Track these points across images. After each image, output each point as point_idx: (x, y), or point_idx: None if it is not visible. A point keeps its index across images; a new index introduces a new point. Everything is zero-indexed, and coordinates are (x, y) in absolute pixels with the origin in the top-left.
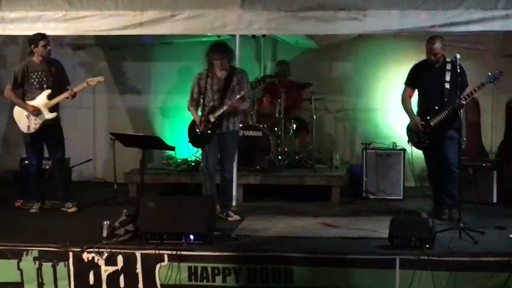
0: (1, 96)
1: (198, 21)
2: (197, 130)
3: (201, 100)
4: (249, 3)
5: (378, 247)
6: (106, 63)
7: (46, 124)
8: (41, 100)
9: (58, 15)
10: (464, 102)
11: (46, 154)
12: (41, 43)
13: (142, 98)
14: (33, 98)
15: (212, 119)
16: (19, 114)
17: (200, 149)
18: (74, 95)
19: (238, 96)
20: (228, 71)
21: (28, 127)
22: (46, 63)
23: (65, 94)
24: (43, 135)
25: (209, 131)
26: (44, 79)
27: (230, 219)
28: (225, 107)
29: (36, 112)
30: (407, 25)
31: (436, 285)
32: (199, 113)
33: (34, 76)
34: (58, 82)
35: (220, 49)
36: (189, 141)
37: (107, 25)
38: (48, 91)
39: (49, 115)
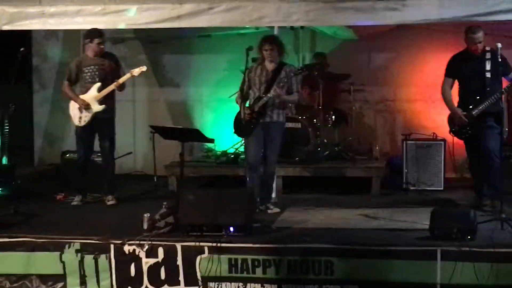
0: (42, 90)
1: (235, 13)
2: (242, 121)
3: (251, 93)
4: None
5: (419, 238)
6: (145, 56)
7: (97, 117)
8: (91, 93)
9: (97, 9)
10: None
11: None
12: (96, 40)
13: (181, 91)
14: (85, 92)
15: (256, 109)
16: (73, 108)
17: (240, 140)
18: (120, 87)
19: (281, 84)
20: (277, 64)
21: (80, 119)
22: (99, 57)
23: (112, 86)
24: (95, 128)
25: (252, 121)
26: (97, 73)
27: (269, 211)
28: (269, 95)
29: (85, 105)
30: (447, 15)
31: (478, 276)
32: (247, 105)
33: (86, 71)
34: (111, 76)
35: (270, 39)
36: (234, 131)
37: (145, 18)
38: (98, 84)
39: (97, 108)
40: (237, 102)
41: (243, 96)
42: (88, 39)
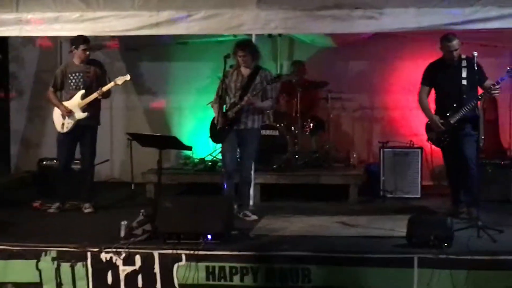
0: (19, 97)
1: (214, 21)
2: (216, 126)
3: (227, 98)
4: (265, 2)
5: (396, 246)
6: (123, 63)
7: (80, 124)
8: (75, 100)
9: (75, 16)
10: (497, 91)
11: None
12: (82, 47)
13: (159, 98)
14: (69, 99)
15: (230, 115)
16: (56, 114)
17: (218, 148)
18: (103, 95)
19: (254, 93)
20: (252, 69)
21: (62, 126)
22: (85, 64)
23: (94, 94)
24: (77, 135)
25: (226, 127)
26: (81, 80)
27: (247, 219)
28: (242, 103)
29: (68, 112)
30: (424, 23)
31: (455, 284)
32: (224, 110)
33: (71, 77)
34: (96, 83)
35: (244, 45)
36: (210, 137)
37: (123, 25)
38: (82, 92)
39: (80, 115)
40: (212, 107)
41: (219, 101)
42: (73, 46)
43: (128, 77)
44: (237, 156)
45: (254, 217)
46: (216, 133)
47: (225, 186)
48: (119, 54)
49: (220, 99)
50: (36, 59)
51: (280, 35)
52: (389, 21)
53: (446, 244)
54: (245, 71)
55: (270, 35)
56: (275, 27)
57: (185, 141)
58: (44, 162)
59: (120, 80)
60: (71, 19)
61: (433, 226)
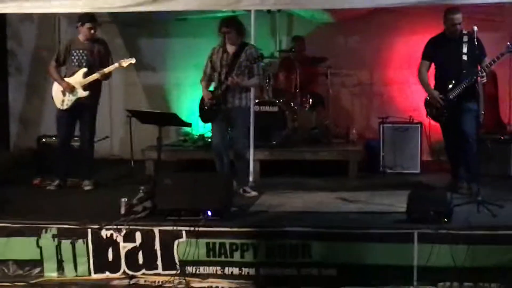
0: (17, 75)
1: None
2: (204, 106)
3: (215, 76)
4: None
5: (396, 221)
6: (121, 40)
7: (80, 102)
8: (76, 77)
9: None
10: (484, 76)
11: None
12: (87, 25)
13: (158, 75)
14: (71, 75)
15: (216, 94)
16: (56, 90)
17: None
18: (104, 76)
19: (238, 72)
20: (238, 46)
21: (62, 103)
22: (90, 42)
23: (96, 75)
24: (76, 112)
25: (213, 107)
26: (84, 57)
27: (247, 195)
28: (227, 83)
29: (70, 89)
30: None
31: (455, 259)
32: (212, 88)
33: (75, 54)
34: (98, 62)
35: (228, 22)
36: (199, 116)
37: (122, 1)
38: (84, 70)
39: (82, 94)
40: (201, 84)
41: (207, 79)
42: (79, 23)
43: (133, 60)
44: (227, 135)
45: (254, 193)
46: (205, 113)
47: (216, 166)
48: (117, 30)
49: (207, 77)
50: (34, 36)
51: (279, 10)
52: None
53: (445, 219)
54: (231, 48)
55: (269, 11)
56: (274, 3)
57: (185, 117)
58: (44, 140)
59: (125, 63)
60: None
61: (432, 201)
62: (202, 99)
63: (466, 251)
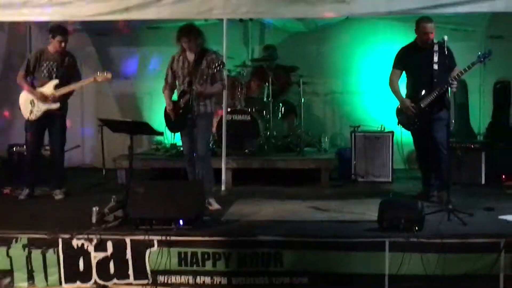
0: None
1: (184, 6)
2: (169, 116)
3: (176, 84)
4: None
5: (368, 230)
6: (93, 48)
7: (48, 112)
8: (47, 89)
9: (44, 1)
10: (455, 85)
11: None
12: (58, 38)
13: (130, 83)
14: (41, 86)
15: (182, 105)
16: (24, 100)
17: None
18: (71, 93)
19: (201, 81)
20: (198, 54)
21: (31, 113)
22: (59, 55)
23: (72, 87)
24: (45, 122)
25: (179, 117)
26: (54, 69)
27: (210, 207)
28: (191, 93)
29: (43, 99)
30: (395, 8)
31: (426, 267)
32: (175, 97)
33: (45, 65)
34: (67, 75)
35: (186, 30)
36: (166, 126)
37: (93, 10)
38: (55, 81)
39: (51, 106)
40: (163, 93)
41: (169, 88)
42: (50, 34)
43: (109, 75)
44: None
45: (217, 206)
46: (171, 123)
47: (188, 173)
48: (89, 39)
49: (168, 85)
50: (5, 43)
51: (251, 19)
52: (360, 6)
53: (417, 228)
54: (191, 56)
55: (241, 20)
56: (246, 12)
57: (157, 126)
58: (14, 148)
59: (100, 77)
60: (40, 4)
61: (404, 209)
62: (166, 110)
63: (437, 259)
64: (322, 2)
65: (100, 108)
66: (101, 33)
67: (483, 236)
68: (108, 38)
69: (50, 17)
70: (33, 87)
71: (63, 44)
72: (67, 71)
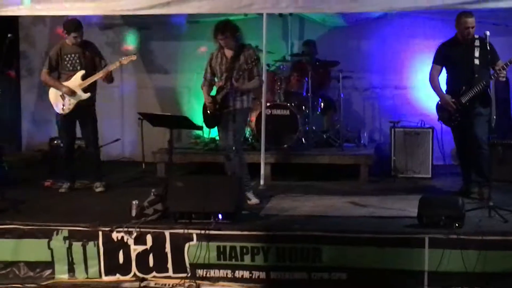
0: (29, 76)
1: (224, 0)
2: (207, 111)
3: (215, 80)
4: None
5: (407, 226)
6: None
7: (80, 104)
8: (75, 81)
9: None
10: (503, 74)
11: (78, 134)
12: (72, 34)
13: (170, 77)
14: (67, 80)
15: (218, 100)
16: (55, 95)
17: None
18: (108, 78)
19: (237, 76)
20: (235, 50)
21: (63, 108)
22: (79, 46)
23: (99, 74)
24: (76, 115)
25: (216, 112)
26: (78, 61)
27: (249, 202)
28: (228, 88)
29: (71, 92)
30: (436, 2)
31: (466, 264)
32: (213, 93)
33: (67, 59)
34: (91, 64)
35: (221, 27)
36: (203, 121)
37: (134, 4)
38: (82, 72)
39: (83, 96)
40: (202, 89)
41: (208, 84)
42: (65, 31)
43: (134, 57)
44: (245, 135)
45: (256, 200)
46: (209, 118)
47: (226, 168)
48: (129, 32)
49: (207, 82)
50: (47, 38)
51: (290, 14)
52: (401, 0)
53: (457, 224)
54: (229, 52)
55: (280, 14)
56: (286, 6)
57: (196, 120)
58: (55, 141)
59: (125, 60)
60: None
61: (444, 206)
62: (205, 105)
63: (477, 256)
64: None
65: (140, 102)
66: (142, 27)
67: None
68: (149, 32)
69: (91, 11)
70: (60, 82)
71: (79, 39)
72: (91, 60)
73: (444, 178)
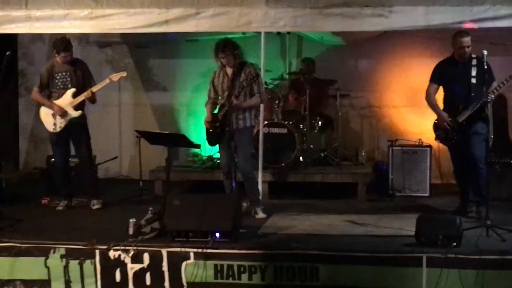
0: (28, 95)
1: (223, 19)
2: (209, 129)
3: (219, 99)
4: (274, 0)
5: (405, 245)
6: (132, 60)
7: (71, 122)
8: (65, 99)
9: (84, 13)
10: (490, 98)
11: (73, 152)
12: (62, 54)
13: (168, 95)
14: (58, 98)
15: (219, 117)
16: (45, 114)
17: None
18: (92, 95)
19: (237, 94)
20: (236, 67)
21: (54, 126)
22: (70, 64)
23: (88, 93)
24: (69, 133)
25: (217, 130)
26: (68, 79)
27: (256, 216)
28: (228, 106)
29: (62, 111)
30: (434, 22)
31: (464, 283)
32: (216, 111)
33: (58, 77)
34: (82, 82)
35: (222, 47)
36: (206, 139)
37: (132, 23)
38: (72, 90)
39: (74, 113)
40: (206, 107)
41: (211, 102)
42: (54, 50)
43: (124, 73)
44: (235, 156)
45: (262, 215)
46: (210, 135)
47: (225, 186)
48: (128, 51)
49: (211, 100)
50: (45, 55)
51: (288, 32)
52: (399, 20)
53: (454, 244)
54: (230, 70)
55: (279, 33)
56: (284, 25)
57: (194, 138)
58: (53, 159)
59: (115, 77)
60: (80, 17)
61: (441, 225)
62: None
63: (475, 276)
64: (361, 16)
65: (138, 120)
66: (140, 45)
67: None
68: (147, 50)
69: (90, 29)
70: (51, 101)
71: (68, 58)
72: (82, 78)
73: (442, 196)
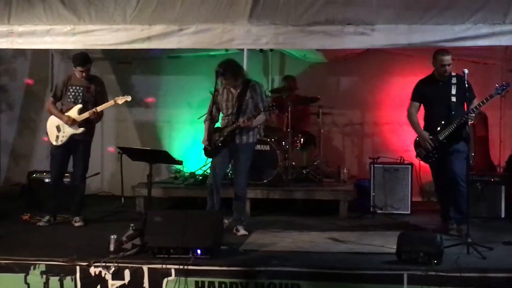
0: (9, 110)
1: (205, 35)
2: (206, 144)
3: (221, 116)
4: (256, 17)
5: (386, 262)
6: (114, 76)
7: (74, 138)
8: (71, 113)
9: (67, 29)
10: (471, 118)
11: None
12: (79, 68)
13: (150, 112)
14: (66, 112)
15: (225, 133)
16: (51, 125)
17: (209, 162)
18: (95, 115)
19: (250, 116)
20: (241, 86)
21: (57, 138)
22: (86, 80)
23: (90, 112)
24: (70, 148)
25: (215, 148)
26: (80, 94)
27: (238, 233)
28: (236, 124)
29: (71, 122)
30: (415, 40)
31: None
32: (219, 124)
33: (71, 90)
34: (94, 100)
35: (222, 71)
36: (203, 149)
37: (115, 39)
38: (79, 106)
39: (76, 130)
40: (204, 123)
41: (210, 119)
42: (73, 63)
43: (129, 98)
44: (227, 170)
45: (244, 232)
46: (209, 149)
47: (208, 200)
48: (110, 66)
49: (211, 117)
50: (27, 71)
51: (271, 50)
52: (381, 38)
53: (435, 261)
54: (234, 90)
55: (261, 50)
56: (266, 42)
57: (176, 155)
58: (34, 175)
59: (120, 100)
60: (63, 32)
61: (422, 242)
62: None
63: None
64: (343, 34)
65: (120, 136)
66: (123, 61)
67: (502, 270)
68: (129, 66)
69: (72, 45)
70: (62, 112)
71: (84, 74)
72: (95, 97)
73: (422, 214)
